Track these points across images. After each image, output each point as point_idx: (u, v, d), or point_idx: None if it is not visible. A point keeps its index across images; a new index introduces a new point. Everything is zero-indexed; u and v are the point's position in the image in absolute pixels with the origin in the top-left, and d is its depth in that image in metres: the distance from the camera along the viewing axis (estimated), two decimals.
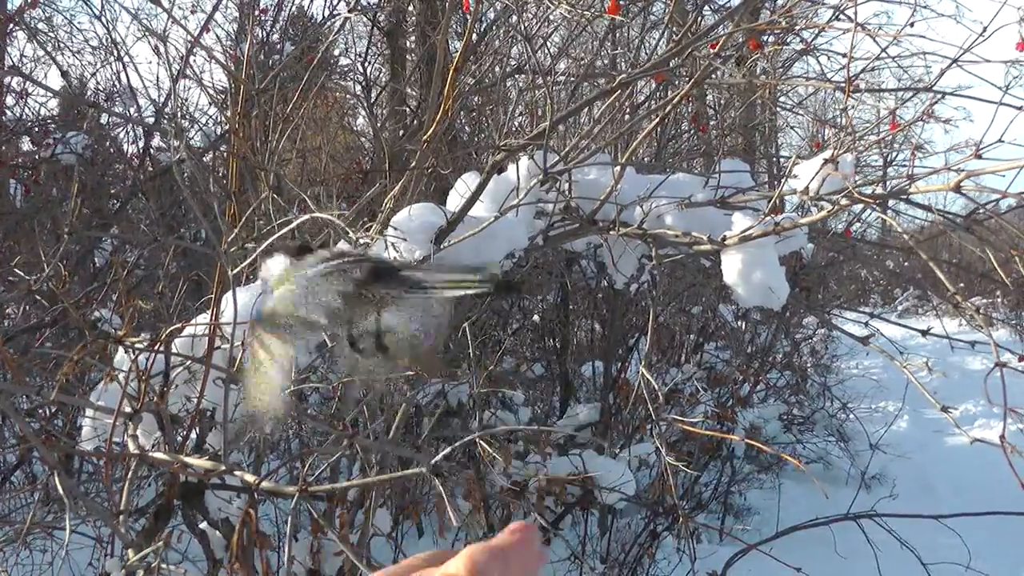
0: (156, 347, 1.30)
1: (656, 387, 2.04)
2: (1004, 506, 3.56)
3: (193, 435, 2.29)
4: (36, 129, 5.44)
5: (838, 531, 4.08)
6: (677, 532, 4.95)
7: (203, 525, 2.52)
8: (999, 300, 15.77)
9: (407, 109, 7.34)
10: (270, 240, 1.18)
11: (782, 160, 7.17)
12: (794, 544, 3.97)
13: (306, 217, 1.39)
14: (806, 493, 6.51)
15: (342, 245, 2.27)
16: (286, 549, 1.36)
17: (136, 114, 5.23)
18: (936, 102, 1.92)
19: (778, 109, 7.13)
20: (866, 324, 2.62)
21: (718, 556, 4.38)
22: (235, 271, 1.38)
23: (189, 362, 1.72)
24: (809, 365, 8.27)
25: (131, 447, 1.25)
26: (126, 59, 5.32)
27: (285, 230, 1.38)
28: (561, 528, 4.72)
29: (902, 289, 19.31)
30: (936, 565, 3.44)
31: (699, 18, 2.34)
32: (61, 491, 1.10)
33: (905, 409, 7.79)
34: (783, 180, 2.02)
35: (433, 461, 1.03)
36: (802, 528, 3.89)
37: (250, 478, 1.08)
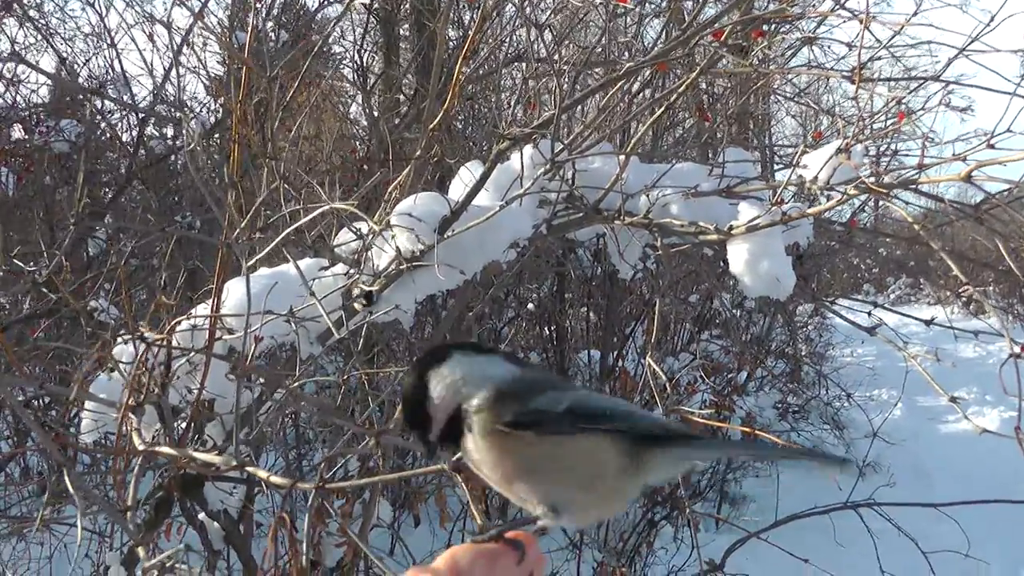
0: (164, 339, 1.28)
1: (663, 376, 2.02)
2: (999, 493, 3.55)
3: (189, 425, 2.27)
4: (29, 116, 5.37)
5: (836, 519, 4.07)
6: (674, 521, 4.95)
7: (201, 516, 2.51)
8: (991, 288, 15.86)
9: (401, 96, 7.28)
10: (285, 232, 1.16)
11: (776, 148, 7.15)
12: (792, 532, 3.96)
13: (324, 207, 1.37)
14: (801, 481, 6.52)
15: (345, 234, 2.24)
16: (305, 541, 1.35)
17: (130, 101, 5.17)
18: (949, 92, 1.90)
19: (779, 97, 7.11)
20: (869, 314, 2.60)
21: (715, 545, 4.37)
22: (250, 264, 1.36)
23: (192, 354, 1.70)
24: (804, 353, 8.28)
25: (136, 442, 1.23)
26: (120, 45, 5.27)
27: (302, 223, 1.36)
28: None
29: (895, 277, 19.37)
30: (934, 553, 3.44)
31: (703, 6, 2.31)
32: (71, 488, 1.08)
33: (900, 397, 7.80)
34: (792, 169, 2.00)
35: (455, 459, 1.01)
36: (802, 516, 3.89)
37: (263, 474, 1.07)
